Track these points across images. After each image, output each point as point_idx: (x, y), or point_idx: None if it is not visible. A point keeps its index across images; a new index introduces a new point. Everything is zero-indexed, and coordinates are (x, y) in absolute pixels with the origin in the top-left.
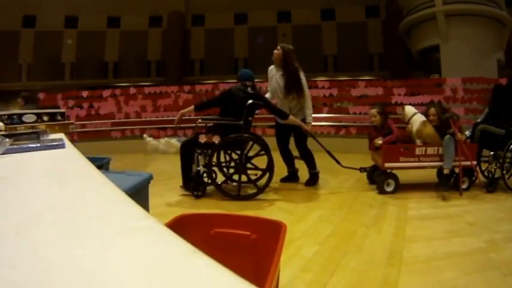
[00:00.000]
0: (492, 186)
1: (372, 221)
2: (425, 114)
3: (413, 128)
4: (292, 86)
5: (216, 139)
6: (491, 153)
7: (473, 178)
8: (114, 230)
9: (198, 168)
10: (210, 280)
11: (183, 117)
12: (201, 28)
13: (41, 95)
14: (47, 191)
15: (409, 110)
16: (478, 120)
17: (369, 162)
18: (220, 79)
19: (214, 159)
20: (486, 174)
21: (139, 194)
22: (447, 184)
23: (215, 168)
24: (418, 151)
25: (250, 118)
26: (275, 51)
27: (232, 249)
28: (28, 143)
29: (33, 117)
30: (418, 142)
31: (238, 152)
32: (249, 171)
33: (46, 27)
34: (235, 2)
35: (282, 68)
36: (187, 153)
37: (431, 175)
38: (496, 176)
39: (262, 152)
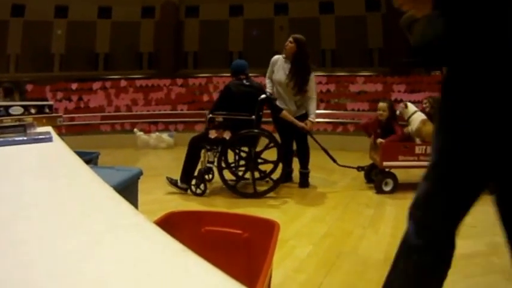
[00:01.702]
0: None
1: (368, 221)
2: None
3: (412, 126)
4: (300, 83)
5: (226, 134)
6: None
7: None
8: (102, 227)
9: (209, 165)
10: (199, 280)
11: (175, 111)
12: (195, 20)
13: (29, 87)
14: (33, 186)
15: (411, 107)
16: None
17: (366, 161)
18: (214, 73)
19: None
20: None
21: (128, 190)
22: None
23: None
24: (417, 150)
25: (260, 113)
26: (288, 43)
27: (223, 248)
28: (14, 136)
29: (20, 110)
30: (418, 141)
31: (245, 149)
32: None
33: (35, 17)
34: None
35: (294, 62)
36: (195, 148)
37: None
38: None
39: (271, 145)
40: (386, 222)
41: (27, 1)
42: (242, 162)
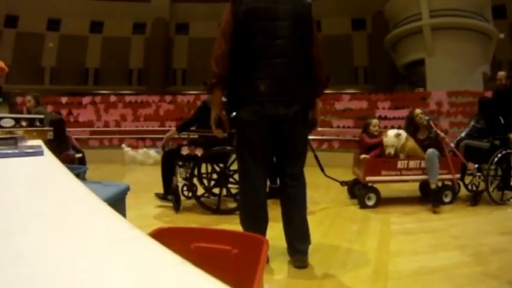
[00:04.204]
0: (476, 199)
1: (354, 236)
2: (410, 118)
3: (399, 143)
4: None
5: (198, 151)
6: (475, 166)
7: (456, 191)
8: (101, 241)
9: (178, 183)
10: None
11: (163, 128)
12: (185, 37)
13: (19, 99)
14: (28, 199)
15: (391, 133)
16: (462, 135)
17: (350, 176)
18: (203, 90)
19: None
20: (470, 187)
21: (116, 205)
22: (437, 199)
23: (196, 182)
24: (400, 164)
25: (233, 130)
26: None
27: (212, 264)
28: (5, 149)
29: (11, 122)
30: (402, 156)
31: (221, 164)
32: (230, 185)
33: (28, 29)
34: (221, 11)
35: None
36: (168, 164)
37: (412, 188)
38: (480, 188)
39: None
40: (372, 237)
41: (21, 12)
42: (215, 176)
